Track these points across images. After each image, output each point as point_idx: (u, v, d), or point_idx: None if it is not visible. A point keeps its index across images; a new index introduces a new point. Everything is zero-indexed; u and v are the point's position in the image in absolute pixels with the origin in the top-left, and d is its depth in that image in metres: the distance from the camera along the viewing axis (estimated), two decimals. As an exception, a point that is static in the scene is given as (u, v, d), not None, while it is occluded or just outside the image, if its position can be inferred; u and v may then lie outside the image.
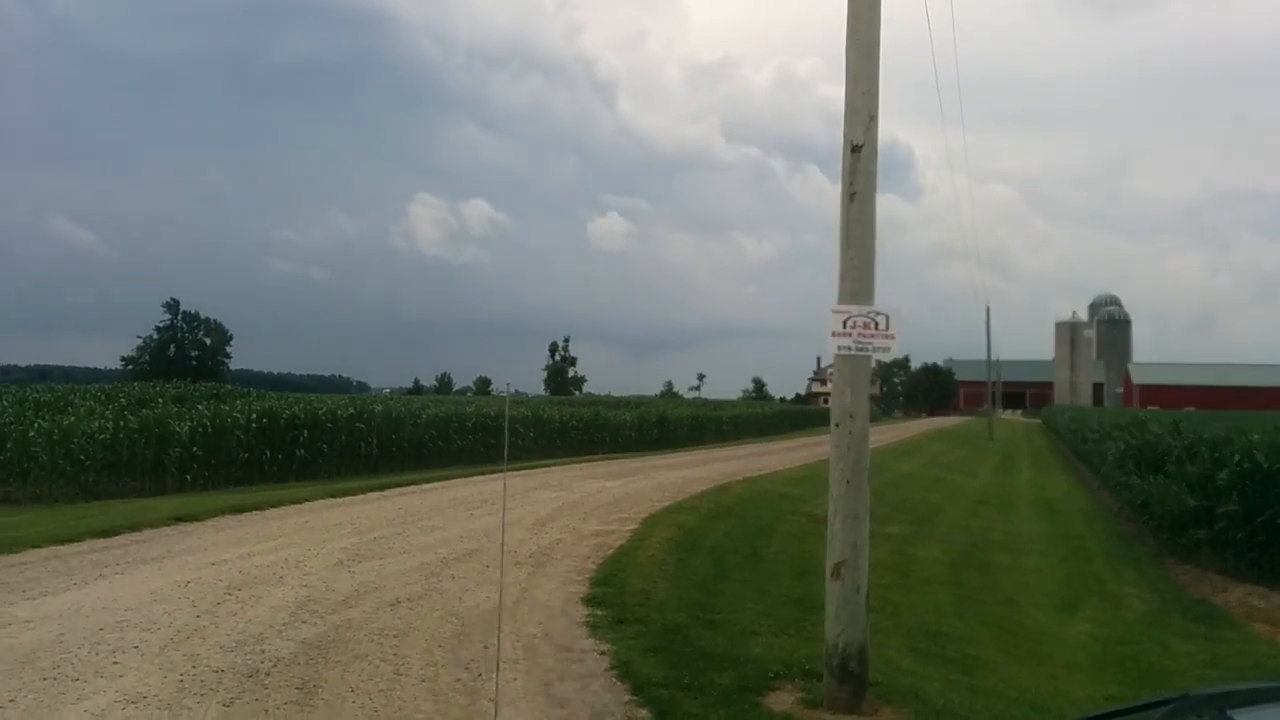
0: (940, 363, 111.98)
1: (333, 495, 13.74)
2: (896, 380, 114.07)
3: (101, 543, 9.27)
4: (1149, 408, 65.42)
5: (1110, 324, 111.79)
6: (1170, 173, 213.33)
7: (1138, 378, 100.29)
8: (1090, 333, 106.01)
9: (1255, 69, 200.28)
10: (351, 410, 21.53)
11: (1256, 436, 13.42)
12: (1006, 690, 6.36)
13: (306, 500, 13.08)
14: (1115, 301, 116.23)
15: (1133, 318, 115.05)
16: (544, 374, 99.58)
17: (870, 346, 5.31)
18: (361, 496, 13.83)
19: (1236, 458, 11.83)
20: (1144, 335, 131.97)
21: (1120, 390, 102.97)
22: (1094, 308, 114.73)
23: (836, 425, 5.39)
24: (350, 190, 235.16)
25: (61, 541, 9.15)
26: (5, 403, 24.11)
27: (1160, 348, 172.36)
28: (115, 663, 5.33)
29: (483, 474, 18.09)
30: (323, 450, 19.82)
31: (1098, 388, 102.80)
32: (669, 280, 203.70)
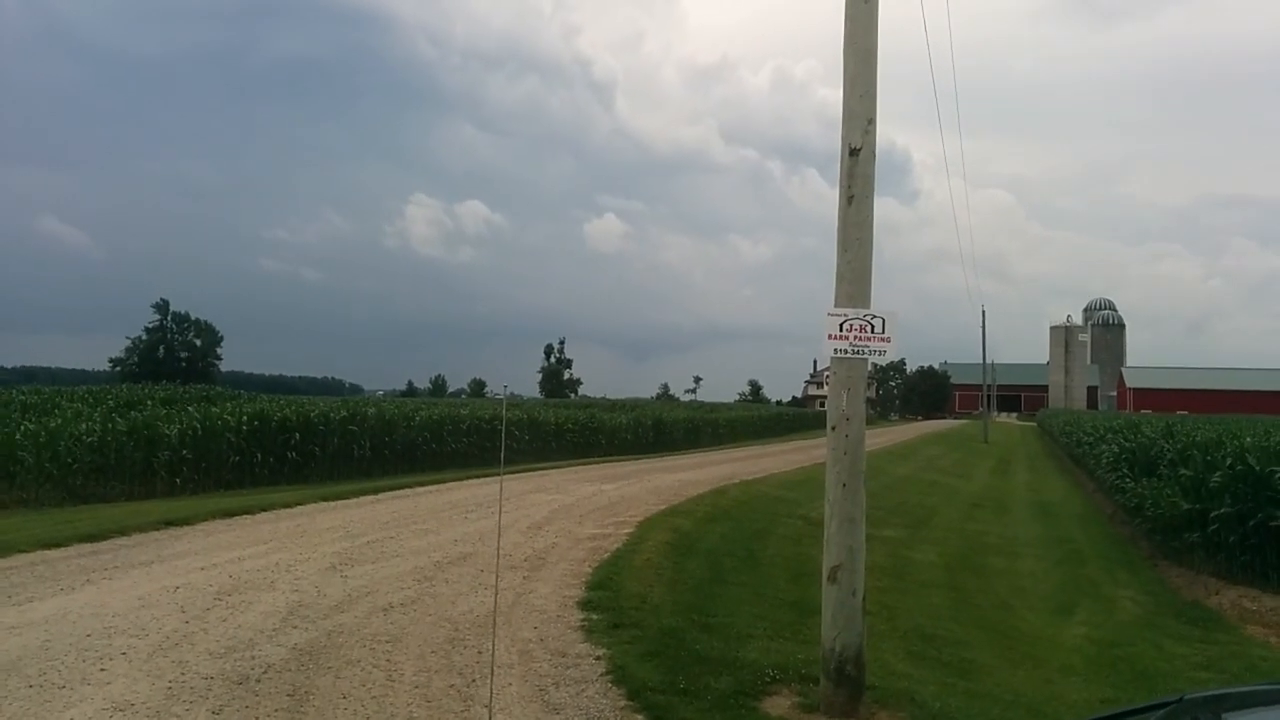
0: (936, 366, 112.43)
1: (325, 499, 13.67)
2: (893, 383, 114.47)
3: (89, 547, 9.16)
4: (1142, 411, 65.77)
5: (1105, 328, 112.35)
6: (1164, 178, 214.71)
7: (1131, 381, 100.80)
8: (1085, 336, 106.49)
9: (1247, 76, 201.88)
10: (344, 412, 21.40)
11: (1248, 439, 13.48)
12: (1002, 693, 6.35)
13: (298, 504, 12.99)
14: (1110, 305, 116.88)
15: (1127, 322, 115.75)
16: (539, 376, 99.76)
17: (867, 349, 5.30)
18: (354, 500, 13.75)
19: (1229, 461, 11.84)
20: (1138, 339, 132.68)
21: (1114, 393, 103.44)
22: (1089, 312, 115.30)
23: (833, 428, 5.37)
24: (345, 190, 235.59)
25: (48, 546, 9.04)
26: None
27: (1154, 351, 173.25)
28: (102, 670, 5.26)
29: (477, 477, 18.03)
30: (315, 453, 19.67)
31: (1092, 391, 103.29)
32: (665, 282, 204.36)
